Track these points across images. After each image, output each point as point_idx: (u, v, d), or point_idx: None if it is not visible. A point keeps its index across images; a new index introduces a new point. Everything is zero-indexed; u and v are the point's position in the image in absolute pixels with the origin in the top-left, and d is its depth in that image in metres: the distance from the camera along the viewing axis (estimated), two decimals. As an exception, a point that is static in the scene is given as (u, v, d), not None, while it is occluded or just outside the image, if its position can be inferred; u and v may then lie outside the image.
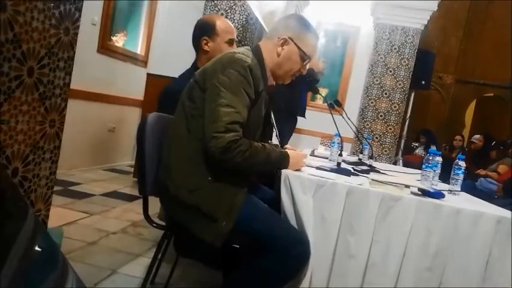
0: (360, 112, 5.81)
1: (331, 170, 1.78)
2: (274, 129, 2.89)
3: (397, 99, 5.59)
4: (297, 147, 2.39)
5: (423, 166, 1.81)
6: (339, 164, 1.95)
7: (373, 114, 5.67)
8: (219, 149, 1.39)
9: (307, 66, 1.74)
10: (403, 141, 6.67)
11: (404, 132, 6.63)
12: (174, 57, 5.22)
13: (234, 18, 4.01)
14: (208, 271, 2.23)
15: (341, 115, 2.54)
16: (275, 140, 2.79)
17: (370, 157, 2.72)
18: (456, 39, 7.99)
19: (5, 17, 1.06)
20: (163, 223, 1.80)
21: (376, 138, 5.65)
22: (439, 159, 1.84)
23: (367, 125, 5.69)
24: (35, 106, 1.23)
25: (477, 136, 6.82)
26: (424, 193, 1.54)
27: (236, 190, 1.51)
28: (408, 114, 6.49)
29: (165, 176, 1.56)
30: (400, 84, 5.58)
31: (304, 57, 1.66)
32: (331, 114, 2.06)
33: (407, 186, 1.59)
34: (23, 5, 1.11)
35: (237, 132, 1.42)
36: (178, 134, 1.55)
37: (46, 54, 1.23)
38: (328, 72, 6.17)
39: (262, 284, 1.48)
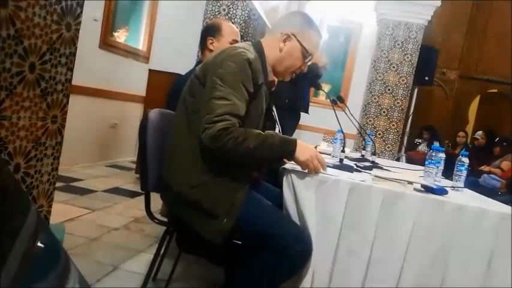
0: (363, 108, 5.79)
1: (334, 167, 1.77)
2: (276, 125, 2.88)
3: (400, 95, 5.57)
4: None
5: (426, 162, 1.80)
6: (341, 160, 1.94)
7: (376, 110, 5.65)
8: (210, 138, 1.37)
9: (309, 63, 1.74)
10: (406, 137, 6.65)
11: (407, 129, 6.61)
12: (175, 53, 5.22)
13: (236, 14, 3.99)
14: (211, 267, 2.23)
15: (344, 111, 2.53)
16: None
17: (373, 153, 2.71)
18: (460, 35, 7.95)
19: (7, 13, 1.05)
20: (165, 219, 1.80)
21: (379, 134, 5.63)
22: (442, 155, 1.83)
23: (370, 121, 5.67)
24: (36, 102, 1.23)
25: (479, 132, 6.79)
26: (427, 189, 1.53)
27: (238, 187, 1.50)
28: (411, 111, 6.46)
29: (167, 172, 1.55)
30: (403, 80, 5.56)
31: (305, 54, 1.65)
32: (334, 110, 2.06)
33: (410, 183, 1.58)
34: (25, 0, 1.10)
35: (229, 121, 1.39)
36: (180, 130, 1.54)
37: (48, 50, 1.22)
38: (331, 68, 6.15)
39: (264, 281, 1.48)
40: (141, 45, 5.37)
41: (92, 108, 4.46)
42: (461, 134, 7.08)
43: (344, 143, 2.05)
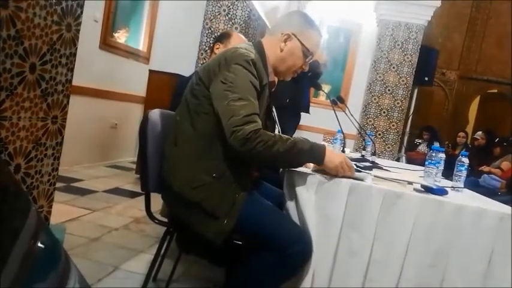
0: (363, 109, 5.80)
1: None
2: (276, 125, 2.89)
3: (400, 95, 5.58)
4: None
5: (426, 163, 1.80)
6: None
7: (376, 110, 5.66)
8: (240, 141, 1.37)
9: (310, 62, 1.74)
10: (406, 137, 6.66)
11: (407, 129, 6.61)
12: (176, 53, 5.22)
13: (236, 14, 4.00)
14: (211, 268, 2.23)
15: (344, 112, 2.53)
16: (277, 137, 2.79)
17: (373, 154, 2.71)
18: (460, 36, 7.95)
19: (7, 14, 1.05)
20: (165, 219, 1.80)
21: (379, 134, 5.64)
22: (442, 155, 1.83)
23: (370, 121, 5.68)
24: (37, 102, 1.23)
25: (479, 133, 6.80)
26: (427, 190, 1.53)
27: (238, 187, 1.50)
28: (411, 111, 6.47)
29: (169, 172, 1.55)
30: (403, 81, 5.56)
31: (307, 53, 1.65)
32: (334, 110, 2.06)
33: (410, 183, 1.58)
34: (25, 1, 1.11)
35: (256, 122, 1.40)
36: (182, 131, 1.54)
37: (48, 51, 1.22)
38: (331, 69, 6.15)
39: (264, 281, 1.48)
40: (141, 45, 5.37)
41: (92, 108, 4.46)
42: (461, 134, 7.09)
43: (344, 143, 2.05)
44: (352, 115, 2.63)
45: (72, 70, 1.35)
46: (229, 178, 1.50)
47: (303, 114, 4.03)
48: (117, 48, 4.80)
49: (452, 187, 1.78)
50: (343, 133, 2.07)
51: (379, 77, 5.61)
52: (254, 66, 1.49)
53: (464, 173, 1.82)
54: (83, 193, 3.52)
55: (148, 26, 5.43)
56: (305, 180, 1.51)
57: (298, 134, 5.26)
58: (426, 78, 5.96)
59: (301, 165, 1.52)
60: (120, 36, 4.96)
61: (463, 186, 1.82)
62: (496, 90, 8.20)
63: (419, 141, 7.17)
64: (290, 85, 3.73)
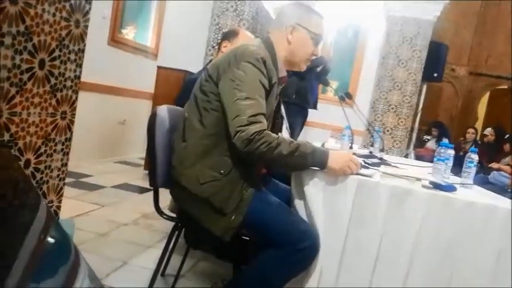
0: (371, 105, 5.77)
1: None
2: (284, 122, 2.89)
3: (408, 91, 5.54)
4: (307, 140, 2.39)
5: (434, 159, 1.79)
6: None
7: (384, 106, 5.62)
8: (244, 141, 1.38)
9: (317, 57, 1.74)
10: (414, 134, 6.61)
11: (416, 125, 6.57)
12: (183, 49, 5.23)
13: (244, 10, 4.00)
14: (219, 263, 2.24)
15: (352, 108, 2.52)
16: (285, 133, 2.79)
17: (381, 150, 2.70)
18: (469, 31, 7.87)
19: (16, 10, 1.06)
20: (174, 215, 1.81)
21: (387, 131, 5.61)
22: (451, 152, 1.82)
23: (379, 117, 5.65)
24: (46, 98, 1.24)
25: (489, 129, 6.73)
26: (435, 186, 1.52)
27: (246, 184, 1.51)
28: (420, 107, 6.42)
29: (177, 168, 1.56)
30: (412, 77, 5.52)
31: (315, 38, 1.65)
32: (342, 106, 2.05)
33: (418, 179, 1.57)
34: (34, -3, 1.11)
35: (261, 123, 1.41)
36: (191, 127, 1.55)
37: (57, 47, 1.23)
38: (339, 65, 6.13)
39: (271, 277, 1.48)
40: (149, 42, 5.39)
41: (101, 105, 4.49)
42: (470, 130, 7.02)
43: (352, 139, 2.04)
44: (360, 111, 2.62)
45: (80, 66, 1.36)
46: (237, 174, 1.50)
47: (311, 110, 4.03)
48: (126, 45, 4.82)
49: (461, 184, 1.76)
50: (351, 129, 2.06)
51: (388, 73, 5.58)
52: (264, 64, 1.49)
53: (473, 170, 1.81)
54: (92, 188, 3.55)
55: (156, 22, 5.44)
56: (313, 177, 1.51)
57: (306, 131, 5.26)
58: (435, 74, 5.91)
59: (304, 169, 1.51)
60: (129, 33, 4.97)
61: (472, 182, 1.81)
62: (506, 87, 8.11)
63: (428, 137, 7.12)
64: (297, 81, 3.73)
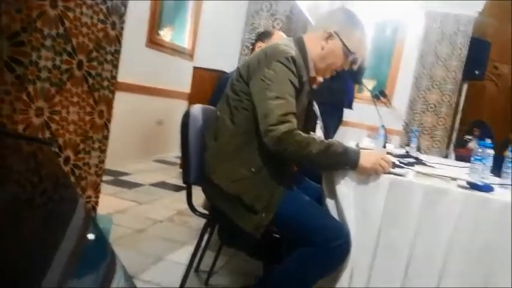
0: (409, 104, 5.64)
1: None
2: (318, 121, 2.87)
3: (448, 90, 5.38)
4: (342, 140, 2.37)
5: (472, 158, 1.74)
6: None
7: (423, 106, 5.48)
8: (274, 140, 1.40)
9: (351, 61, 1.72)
10: (455, 134, 6.41)
11: (457, 125, 6.36)
12: (219, 50, 5.29)
13: (278, 9, 4.00)
14: (252, 260, 2.26)
15: (387, 106, 2.48)
16: (320, 132, 2.77)
17: (418, 150, 2.64)
18: (514, 26, 7.53)
19: (56, 13, 1.11)
20: (207, 212, 1.84)
21: (426, 131, 5.46)
22: (491, 151, 1.76)
23: (417, 117, 5.51)
24: (84, 98, 1.29)
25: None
26: (472, 186, 1.48)
27: (277, 182, 1.52)
28: (461, 106, 6.22)
29: (209, 165, 1.59)
30: (451, 75, 5.36)
31: (348, 53, 1.63)
32: (375, 105, 2.02)
33: (453, 179, 1.53)
34: (73, 1, 1.16)
35: (291, 122, 1.42)
36: (222, 126, 1.58)
37: (94, 48, 1.28)
38: (376, 63, 6.03)
39: (303, 276, 1.48)
40: (186, 43, 5.48)
41: (138, 104, 4.61)
42: (515, 130, 6.73)
43: (385, 138, 2.01)
44: (395, 109, 2.57)
45: (116, 67, 1.41)
46: (268, 172, 1.51)
47: (347, 110, 3.98)
48: (163, 46, 4.93)
49: (499, 184, 1.70)
50: (384, 128, 2.03)
51: (426, 71, 5.44)
52: (294, 63, 1.49)
53: (513, 170, 1.74)
54: (130, 186, 3.65)
55: (193, 23, 5.53)
56: (344, 176, 1.50)
57: (343, 131, 5.21)
58: (477, 72, 5.70)
59: (335, 169, 1.50)
60: (166, 34, 5.08)
61: (511, 183, 1.74)
62: (554, 84, 7.71)
63: (470, 137, 6.88)
64: (332, 81, 3.70)
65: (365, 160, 1.45)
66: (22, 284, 0.52)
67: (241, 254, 2.34)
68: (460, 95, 5.87)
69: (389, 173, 1.48)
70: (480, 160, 1.69)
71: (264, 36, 2.57)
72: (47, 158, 1.03)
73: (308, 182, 1.82)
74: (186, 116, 1.69)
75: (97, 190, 1.47)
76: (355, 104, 4.10)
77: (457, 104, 5.83)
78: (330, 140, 1.49)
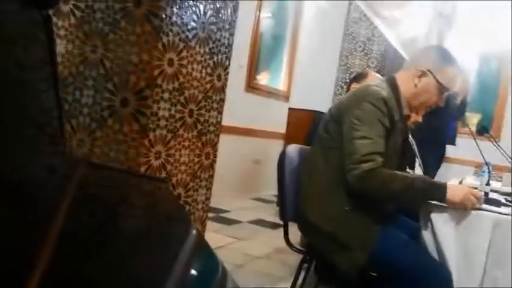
0: (520, 139, 5.20)
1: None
2: (417, 159, 2.81)
3: None
4: (445, 178, 2.29)
5: None
6: (486, 194, 1.83)
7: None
8: (356, 178, 1.42)
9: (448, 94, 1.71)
10: None
11: None
12: (313, 90, 5.42)
13: (372, 48, 4.04)
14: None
15: (492, 142, 2.37)
16: (418, 170, 2.71)
17: (529, 188, 2.45)
18: None
19: (172, 71, 1.31)
20: (303, 249, 1.89)
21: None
22: None
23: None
24: (194, 141, 1.46)
25: None
26: None
27: (373, 220, 1.52)
28: None
29: (304, 204, 1.65)
30: None
31: (442, 89, 1.62)
32: (475, 141, 1.96)
33: None
34: (186, 59, 1.35)
35: (374, 161, 1.43)
36: (316, 165, 1.63)
37: (203, 98, 1.46)
38: (481, 97, 5.70)
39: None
40: (281, 85, 5.70)
41: (237, 145, 4.85)
42: None
43: (490, 175, 1.92)
44: (499, 145, 2.44)
45: (221, 113, 1.58)
46: (362, 211, 1.53)
47: (450, 146, 3.82)
48: (260, 90, 5.19)
49: None
50: (488, 165, 1.94)
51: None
52: (385, 103, 1.51)
53: None
54: (229, 223, 3.82)
55: (288, 66, 5.75)
56: (443, 213, 1.47)
57: (446, 167, 4.96)
58: None
59: (420, 204, 1.49)
60: (262, 78, 5.35)
61: None
62: None
63: None
64: (430, 118, 3.59)
65: (453, 195, 1.42)
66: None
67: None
68: None
69: (480, 208, 1.43)
70: None
71: (358, 77, 2.64)
72: (165, 195, 1.17)
73: (404, 220, 1.80)
74: (282, 155, 1.79)
75: (203, 225, 1.61)
76: (460, 140, 3.92)
77: None
78: (414, 175, 1.48)
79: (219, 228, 3.58)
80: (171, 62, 1.29)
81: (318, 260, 1.79)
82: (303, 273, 1.89)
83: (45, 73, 0.95)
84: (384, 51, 4.02)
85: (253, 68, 5.00)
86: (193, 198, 1.53)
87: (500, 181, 2.99)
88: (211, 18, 1.40)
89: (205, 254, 0.94)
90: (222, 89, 1.55)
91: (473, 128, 5.66)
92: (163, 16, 1.20)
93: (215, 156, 1.59)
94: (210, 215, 3.85)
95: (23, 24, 0.94)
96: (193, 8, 1.30)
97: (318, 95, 5.10)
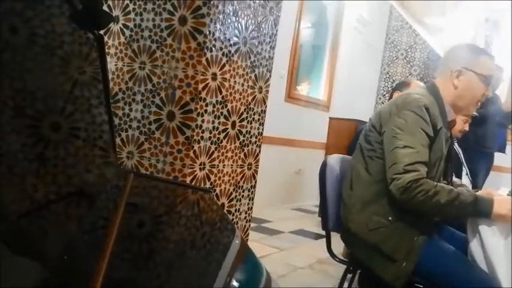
0: None
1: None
2: (463, 168, 2.73)
3: None
4: (496, 187, 2.21)
5: None
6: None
7: None
8: (399, 189, 1.39)
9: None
10: None
11: None
12: (355, 99, 5.38)
13: (415, 56, 3.97)
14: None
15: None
16: (465, 179, 2.63)
17: None
18: None
19: (216, 84, 1.35)
20: (346, 259, 1.88)
21: None
22: None
23: None
24: (236, 152, 1.50)
25: None
26: None
27: (417, 231, 1.50)
28: None
29: (346, 214, 1.64)
30: None
31: (485, 80, 1.58)
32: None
33: None
34: (228, 73, 1.40)
35: (418, 171, 1.40)
36: (357, 175, 1.62)
37: (245, 110, 1.50)
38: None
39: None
40: (321, 95, 5.69)
41: (279, 156, 4.87)
42: None
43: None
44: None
45: (262, 124, 1.61)
46: (406, 221, 1.50)
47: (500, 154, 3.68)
48: (300, 100, 5.20)
49: None
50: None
51: None
52: (427, 111, 1.49)
53: None
54: (271, 233, 3.83)
55: (328, 75, 5.73)
56: (491, 224, 1.43)
57: (496, 176, 4.77)
58: None
59: (465, 218, 1.44)
60: (303, 89, 5.37)
61: None
62: None
63: None
64: (476, 126, 3.49)
65: (501, 207, 1.38)
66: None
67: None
68: None
69: None
70: None
71: (401, 86, 2.61)
72: (210, 204, 1.21)
73: (451, 231, 1.75)
74: (324, 165, 1.79)
75: (246, 234, 1.64)
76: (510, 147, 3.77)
77: None
78: (459, 189, 1.43)
79: (261, 238, 3.60)
80: (214, 76, 1.34)
81: (361, 270, 1.77)
82: (346, 284, 1.88)
83: (98, 90, 1.02)
84: (427, 58, 3.94)
85: (294, 79, 5.03)
86: (236, 208, 1.56)
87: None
88: (253, 32, 1.44)
89: (249, 261, 0.96)
90: (263, 101, 1.58)
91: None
92: (207, 33, 1.26)
93: (257, 166, 1.62)
94: (252, 225, 3.88)
95: (77, 44, 1.01)
96: (236, 24, 1.35)
97: (360, 104, 5.06)
